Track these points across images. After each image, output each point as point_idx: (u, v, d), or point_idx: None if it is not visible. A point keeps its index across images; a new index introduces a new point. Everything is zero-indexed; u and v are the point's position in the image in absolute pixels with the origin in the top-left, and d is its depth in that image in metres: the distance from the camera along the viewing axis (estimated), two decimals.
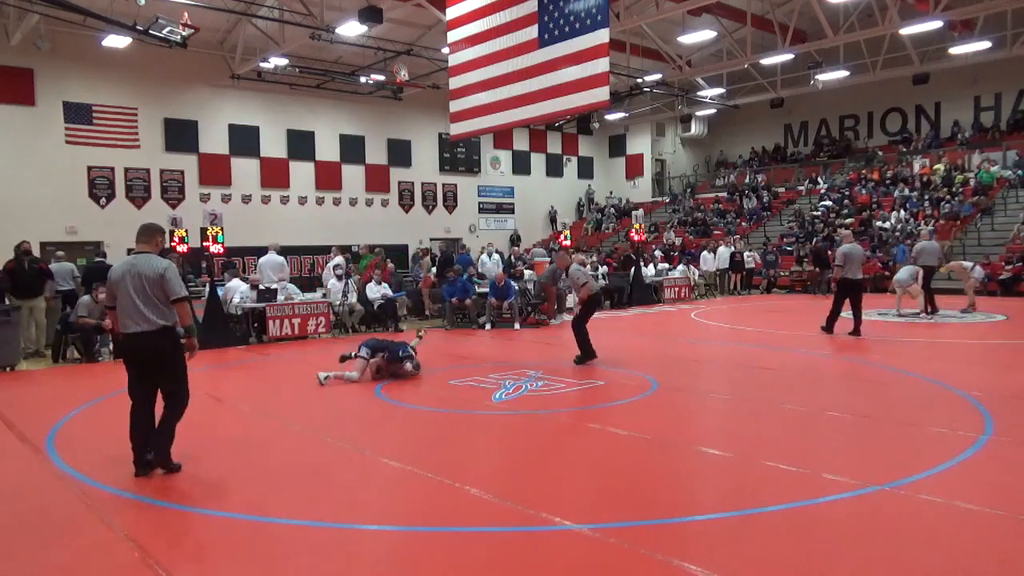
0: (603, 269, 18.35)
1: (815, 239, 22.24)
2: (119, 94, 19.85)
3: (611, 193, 32.19)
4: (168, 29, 14.02)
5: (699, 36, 21.11)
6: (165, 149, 20.86)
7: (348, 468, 5.28)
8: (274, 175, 23.05)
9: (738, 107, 27.69)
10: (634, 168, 32.61)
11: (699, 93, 26.91)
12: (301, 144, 23.61)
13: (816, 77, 23.18)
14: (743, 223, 26.92)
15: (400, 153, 26.05)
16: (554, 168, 31.45)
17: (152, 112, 20.54)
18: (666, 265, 20.22)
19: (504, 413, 6.91)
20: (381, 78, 21.22)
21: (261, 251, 15.00)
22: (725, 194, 29.78)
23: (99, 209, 19.69)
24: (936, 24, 18.36)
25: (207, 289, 12.91)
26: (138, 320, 4.96)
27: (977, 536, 3.74)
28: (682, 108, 28.72)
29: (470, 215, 28.38)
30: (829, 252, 18.77)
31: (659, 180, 32.88)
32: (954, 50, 21.49)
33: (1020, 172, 22.61)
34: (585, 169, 32.70)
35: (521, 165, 30.17)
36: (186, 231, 12.75)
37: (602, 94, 10.33)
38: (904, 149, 26.83)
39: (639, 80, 23.18)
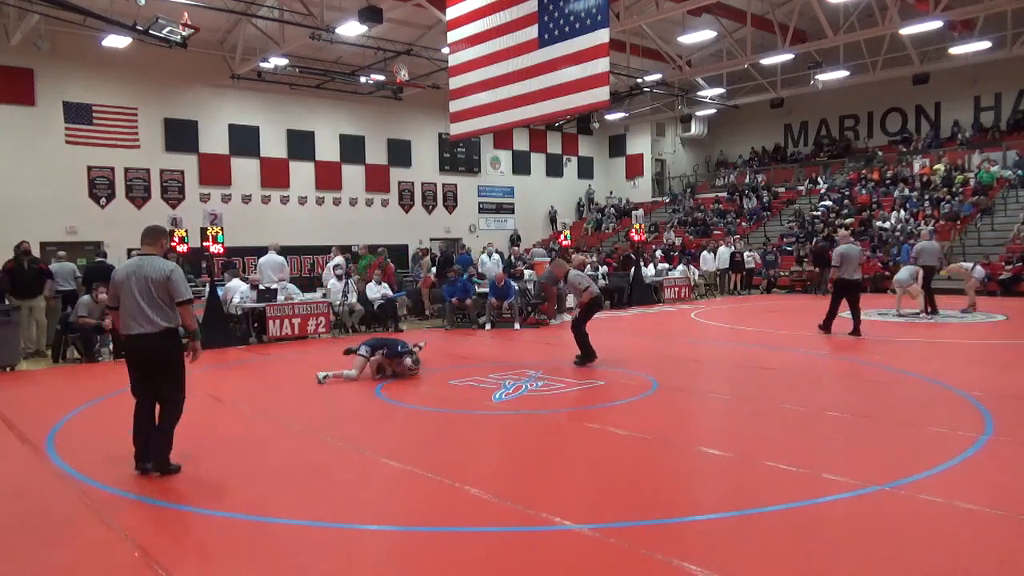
0: (603, 269, 18.35)
1: (815, 239, 22.24)
2: (119, 94, 19.85)
3: (611, 193, 32.20)
4: (168, 29, 14.02)
5: (699, 36, 21.11)
6: (165, 149, 20.86)
7: (348, 468, 5.28)
8: (274, 175, 23.05)
9: (738, 107, 27.69)
10: (634, 168, 32.61)
11: (699, 93, 26.90)
12: (301, 144, 23.61)
13: (816, 77, 23.18)
14: (743, 223, 26.92)
15: (400, 153, 26.05)
16: (554, 168, 31.45)
17: (152, 112, 20.54)
18: (666, 265, 20.23)
19: (504, 413, 6.91)
20: (381, 78, 21.22)
21: (261, 251, 15.00)
22: (725, 194, 29.78)
23: (99, 209, 19.69)
24: (936, 24, 18.36)
25: (207, 289, 12.91)
26: (141, 322, 4.97)
27: (977, 536, 3.74)
28: (682, 108, 28.72)
29: (470, 215, 28.38)
30: (829, 252, 18.75)
31: (659, 180, 32.88)
32: (954, 50, 21.49)
33: (1020, 172, 22.61)
34: (585, 169, 32.70)
35: (521, 165, 30.17)
36: (186, 231, 12.75)
37: (602, 94, 10.34)
38: (904, 149, 26.83)
39: (639, 80, 23.18)
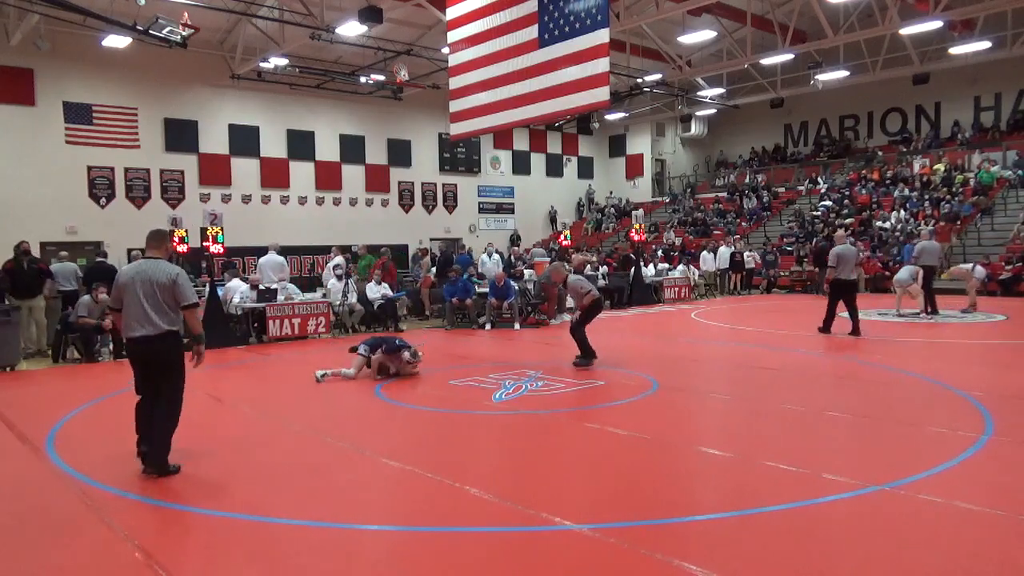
0: (603, 269, 18.35)
1: (815, 239, 22.24)
2: (119, 94, 19.84)
3: (611, 193, 32.20)
4: (168, 29, 14.01)
5: (699, 36, 21.10)
6: (165, 149, 20.84)
7: (348, 468, 5.28)
8: (274, 175, 23.04)
9: (738, 107, 27.69)
10: (634, 168, 32.61)
11: (699, 93, 26.90)
12: (301, 144, 23.61)
13: (816, 77, 23.17)
14: (743, 223, 26.92)
15: (400, 153, 26.04)
16: (554, 168, 31.45)
17: (152, 112, 20.53)
18: (666, 265, 20.23)
19: (504, 413, 6.91)
20: (381, 78, 21.21)
21: (261, 251, 15.00)
22: (725, 194, 29.78)
23: (99, 209, 19.68)
24: (936, 24, 18.36)
25: (207, 289, 12.92)
26: (144, 324, 4.99)
27: (977, 536, 3.74)
28: (682, 108, 28.71)
29: (470, 215, 28.38)
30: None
31: (659, 180, 32.88)
32: (954, 50, 21.49)
33: (1020, 172, 22.61)
34: (585, 169, 32.70)
35: (521, 165, 30.17)
36: (186, 231, 12.75)
37: (602, 94, 10.33)
38: (904, 149, 26.83)
39: (639, 80, 23.18)
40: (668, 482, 4.87)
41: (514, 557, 3.68)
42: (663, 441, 5.78)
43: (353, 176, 24.85)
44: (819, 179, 27.66)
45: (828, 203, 24.89)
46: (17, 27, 17.11)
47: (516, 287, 14.35)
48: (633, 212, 22.84)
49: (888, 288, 17.48)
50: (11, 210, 17.71)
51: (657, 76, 23.28)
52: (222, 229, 12.67)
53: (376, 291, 13.90)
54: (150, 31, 14.12)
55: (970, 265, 14.71)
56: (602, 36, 10.18)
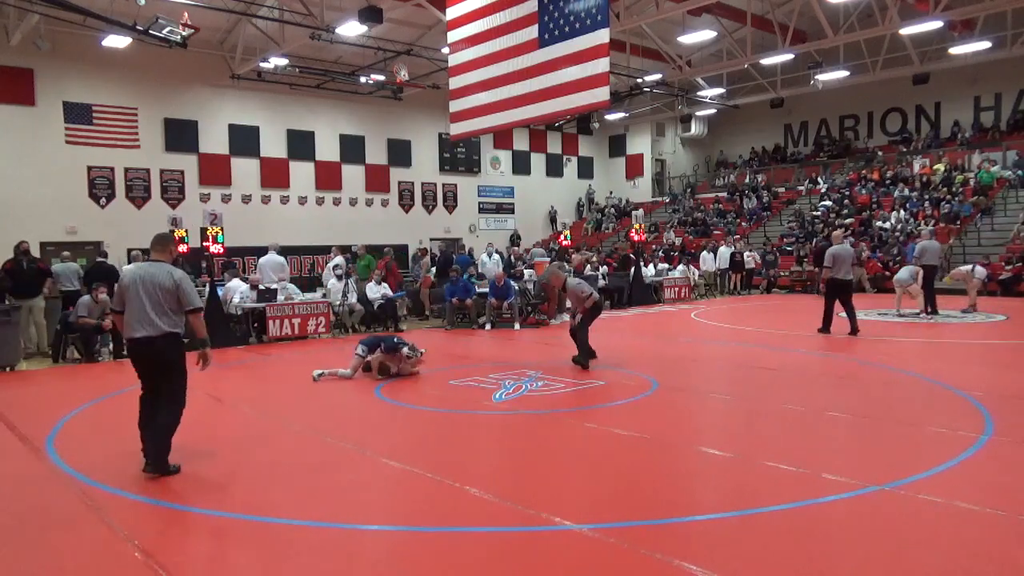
0: (603, 269, 18.35)
1: (815, 239, 22.24)
2: (119, 94, 19.84)
3: (611, 193, 32.20)
4: (168, 29, 14.01)
5: (699, 36, 21.10)
6: (165, 149, 20.84)
7: (348, 468, 5.28)
8: (274, 175, 23.03)
9: (738, 107, 27.69)
10: (634, 168, 32.60)
11: (699, 93, 26.90)
12: (301, 144, 23.60)
13: (816, 77, 23.17)
14: (743, 223, 26.92)
15: (400, 153, 26.04)
16: (554, 168, 31.44)
17: (152, 112, 20.53)
18: (666, 265, 20.23)
19: (504, 413, 6.91)
20: (381, 78, 21.21)
21: (261, 251, 15.00)
22: (725, 194, 29.78)
23: (99, 209, 19.68)
24: (936, 24, 18.36)
25: (207, 289, 12.92)
26: (145, 325, 5.00)
27: (977, 536, 3.74)
28: (682, 108, 28.71)
29: (470, 215, 28.37)
30: None
31: (659, 180, 32.87)
32: (954, 50, 21.48)
33: (1020, 172, 22.60)
34: (585, 169, 32.69)
35: (521, 165, 30.17)
36: (186, 231, 12.74)
37: (602, 94, 10.33)
38: (904, 149, 26.83)
39: (639, 80, 23.17)
40: (668, 482, 4.87)
41: (514, 557, 3.68)
42: (663, 441, 5.78)
43: (353, 176, 24.84)
44: (819, 179, 27.66)
45: (828, 203, 24.89)
46: (17, 27, 17.11)
47: (516, 287, 14.35)
48: (633, 212, 22.88)
49: (888, 288, 17.47)
50: (11, 210, 17.71)
51: (657, 76, 23.28)
52: (222, 229, 12.67)
53: (376, 291, 13.90)
54: (150, 31, 14.12)
55: (969, 267, 14.70)
56: (602, 36, 10.18)
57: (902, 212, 22.61)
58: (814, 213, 24.85)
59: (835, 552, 3.60)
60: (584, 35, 10.32)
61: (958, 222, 21.36)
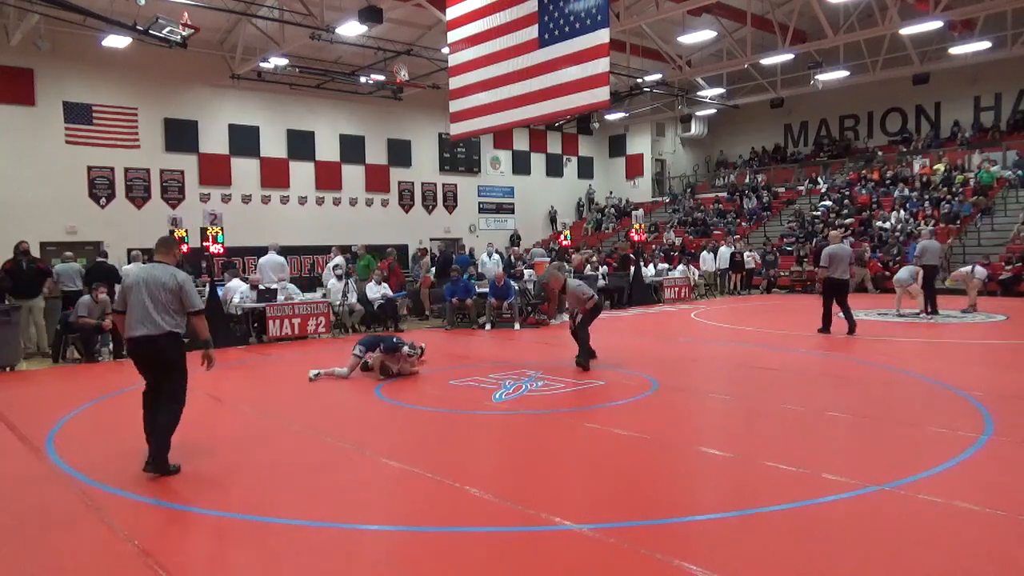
0: (603, 269, 18.36)
1: (815, 239, 22.23)
2: (119, 94, 19.84)
3: (611, 193, 32.19)
4: (168, 29, 14.01)
5: (699, 36, 21.10)
6: (165, 149, 20.84)
7: (348, 468, 5.28)
8: (274, 175, 23.03)
9: (738, 107, 27.69)
10: (634, 168, 32.60)
11: (699, 93, 26.90)
12: (301, 144, 23.60)
13: (816, 77, 23.17)
14: (743, 223, 26.91)
15: (400, 153, 26.04)
16: (554, 168, 31.44)
17: (152, 112, 20.53)
18: (666, 265, 20.23)
19: (504, 413, 6.91)
20: (381, 78, 21.21)
21: (261, 251, 15.00)
22: (725, 194, 29.78)
23: (99, 209, 19.68)
24: (936, 24, 18.36)
25: (207, 289, 12.92)
26: (147, 324, 5.02)
27: (977, 536, 3.74)
28: (682, 108, 28.71)
29: (470, 215, 28.37)
30: None
31: (659, 180, 32.88)
32: (954, 50, 21.48)
33: (1020, 172, 22.60)
34: (585, 169, 32.69)
35: (521, 165, 30.17)
36: (186, 231, 12.78)
37: (602, 94, 10.32)
38: (904, 149, 26.82)
39: (639, 80, 23.17)
40: (668, 482, 4.87)
41: (514, 557, 3.68)
42: (663, 441, 5.78)
43: (353, 176, 24.84)
44: (819, 179, 27.66)
45: (828, 203, 24.89)
46: (17, 27, 17.11)
47: (516, 287, 14.35)
48: (633, 212, 22.90)
49: (888, 288, 17.47)
50: (11, 210, 17.71)
51: (657, 76, 23.28)
52: (222, 229, 12.68)
53: (376, 291, 13.90)
54: (150, 31, 14.12)
55: (969, 268, 14.71)
56: (602, 36, 10.17)
57: (902, 212, 22.60)
58: (814, 213, 24.85)
59: (835, 552, 3.60)
60: (584, 35, 10.31)
61: (958, 222, 21.36)
